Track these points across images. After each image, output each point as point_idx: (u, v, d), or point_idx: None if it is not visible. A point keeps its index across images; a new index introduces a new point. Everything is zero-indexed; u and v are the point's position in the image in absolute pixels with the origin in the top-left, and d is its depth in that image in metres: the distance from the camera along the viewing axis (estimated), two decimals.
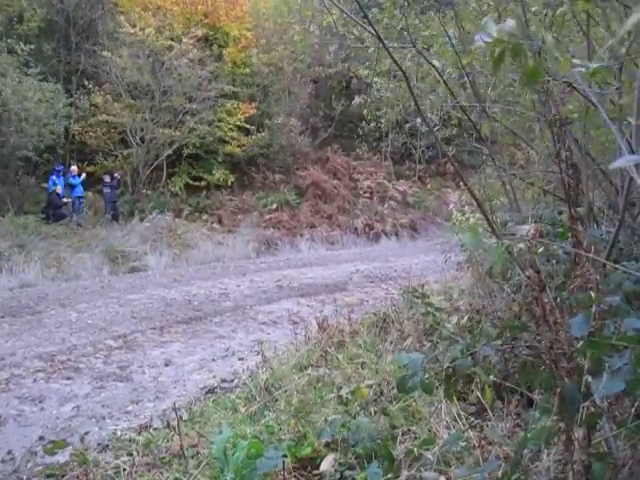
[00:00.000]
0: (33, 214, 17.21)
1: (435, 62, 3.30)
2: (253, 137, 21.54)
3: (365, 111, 22.97)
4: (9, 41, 17.36)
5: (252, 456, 2.98)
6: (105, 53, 18.80)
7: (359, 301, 10.31)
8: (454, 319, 4.99)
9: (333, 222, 21.72)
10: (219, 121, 20.87)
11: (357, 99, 24.36)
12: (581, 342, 1.75)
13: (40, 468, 4.30)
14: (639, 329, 1.80)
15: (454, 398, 3.13)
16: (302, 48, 22.62)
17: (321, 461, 2.89)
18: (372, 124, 24.36)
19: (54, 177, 17.78)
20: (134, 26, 18.93)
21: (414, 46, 3.45)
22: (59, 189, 17.69)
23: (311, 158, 24.12)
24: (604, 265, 2.61)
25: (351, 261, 16.39)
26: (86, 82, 19.45)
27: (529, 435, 1.98)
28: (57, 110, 17.85)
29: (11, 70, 16.71)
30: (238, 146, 21.24)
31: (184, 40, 19.24)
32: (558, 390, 1.78)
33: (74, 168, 18.57)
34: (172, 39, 19.46)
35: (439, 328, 5.18)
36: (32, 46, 18.02)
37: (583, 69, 1.26)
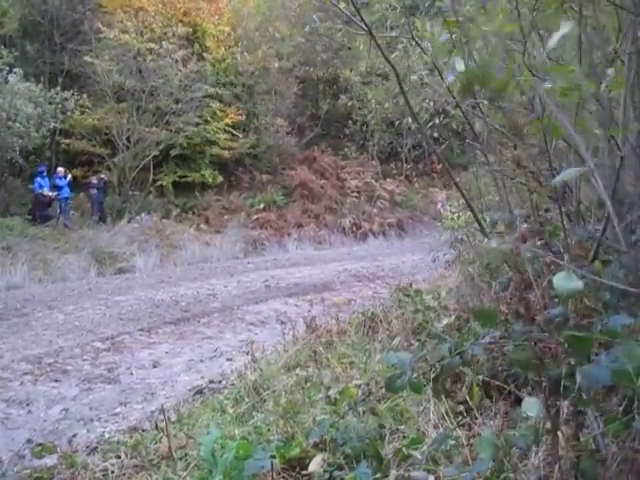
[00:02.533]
0: (19, 216, 17.13)
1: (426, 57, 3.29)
2: (240, 141, 21.52)
3: (350, 104, 23.10)
4: None
5: (240, 457, 2.97)
6: (88, 58, 18.71)
7: (347, 301, 10.31)
8: (445, 320, 4.99)
9: (320, 222, 21.73)
10: (206, 122, 20.84)
11: (343, 98, 24.45)
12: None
13: (28, 471, 4.28)
14: (626, 325, 1.81)
15: (442, 397, 3.14)
16: (287, 47, 22.69)
17: (310, 461, 2.89)
18: (358, 123, 24.48)
19: (39, 179, 17.70)
20: (116, 28, 18.87)
21: (413, 38, 3.42)
22: (45, 191, 17.61)
23: (298, 158, 24.12)
24: (591, 263, 2.62)
25: (339, 260, 16.40)
26: (71, 84, 19.36)
27: (517, 433, 1.99)
28: (43, 110, 17.74)
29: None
30: (225, 148, 21.21)
31: (170, 40, 19.21)
32: (544, 387, 1.79)
33: (60, 169, 18.49)
34: (153, 40, 19.41)
35: (427, 327, 5.18)
36: (14, 48, 17.93)
37: (546, 85, 1.27)
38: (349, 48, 21.69)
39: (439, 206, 23.00)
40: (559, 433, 1.87)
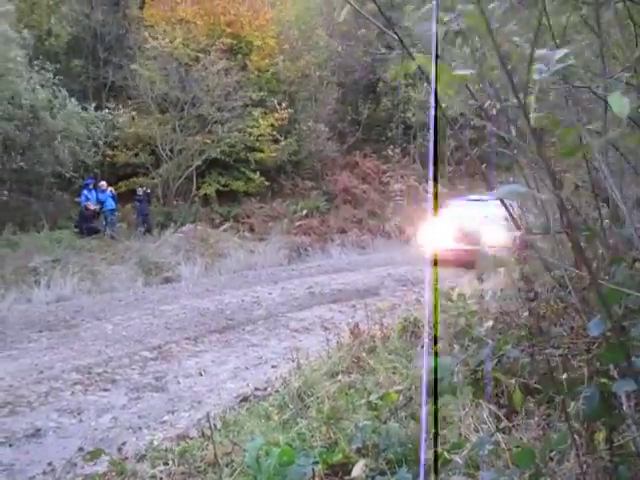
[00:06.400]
0: (67, 229, 17.49)
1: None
2: (282, 143, 21.64)
3: (395, 105, 23.00)
4: (41, 58, 17.68)
5: (284, 463, 3.01)
6: (134, 66, 19.14)
7: (391, 306, 10.27)
8: (487, 324, 4.97)
9: (364, 227, 21.74)
10: (249, 128, 21.02)
11: (385, 102, 24.46)
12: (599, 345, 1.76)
13: (80, 478, 4.39)
14: None
15: (483, 401, 3.14)
16: (327, 54, 22.79)
17: (352, 467, 2.92)
18: (400, 127, 24.45)
19: (85, 192, 18.04)
20: (162, 39, 19.22)
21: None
22: (90, 204, 17.92)
23: (340, 163, 24.17)
24: (631, 266, 2.60)
25: (382, 265, 16.35)
26: (115, 97, 19.78)
27: (555, 437, 1.99)
28: (90, 124, 18.17)
29: (44, 88, 17.02)
30: (267, 155, 21.36)
31: (212, 52, 19.48)
32: (579, 394, 1.79)
33: (102, 183, 18.80)
34: (198, 51, 19.75)
35: (470, 331, 5.16)
36: (65, 64, 18.42)
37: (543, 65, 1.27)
38: (389, 47, 21.67)
39: None
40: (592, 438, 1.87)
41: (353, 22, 24.07)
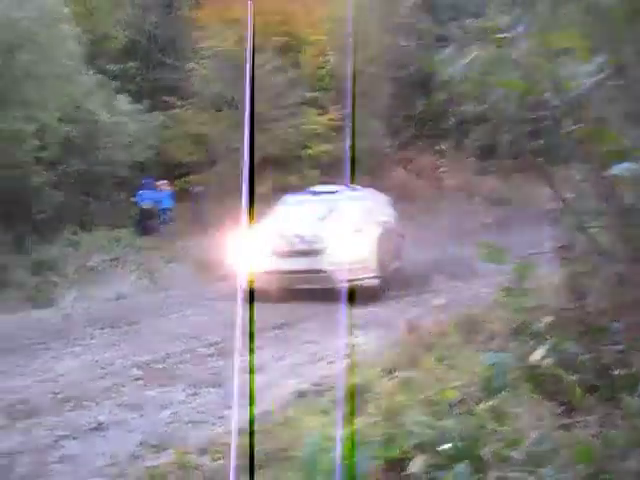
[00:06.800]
0: (125, 228, 17.81)
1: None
2: (336, 140, 21.67)
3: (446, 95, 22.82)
4: (102, 60, 18.12)
5: (343, 458, 3.02)
6: (191, 65, 19.41)
7: (447, 302, 10.18)
8: (546, 319, 4.90)
9: (418, 222, 21.55)
10: (303, 124, 21.08)
11: (439, 94, 24.24)
12: None
13: (143, 471, 4.48)
14: None
15: (543, 397, 3.11)
16: (379, 48, 22.69)
17: (410, 462, 2.92)
18: (455, 120, 24.14)
19: (143, 191, 18.36)
20: (215, 39, 19.46)
21: None
22: (147, 204, 18.23)
23: (394, 159, 24.02)
24: None
25: (437, 260, 16.16)
26: (170, 98, 20.09)
27: (615, 435, 1.97)
28: (145, 124, 18.52)
29: (100, 90, 17.40)
30: (321, 152, 21.37)
31: (265, 51, 19.62)
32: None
33: (160, 182, 19.10)
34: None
35: (529, 327, 5.10)
36: (120, 66, 18.81)
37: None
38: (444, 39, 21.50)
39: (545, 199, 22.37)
40: None
41: (407, 16, 23.96)
